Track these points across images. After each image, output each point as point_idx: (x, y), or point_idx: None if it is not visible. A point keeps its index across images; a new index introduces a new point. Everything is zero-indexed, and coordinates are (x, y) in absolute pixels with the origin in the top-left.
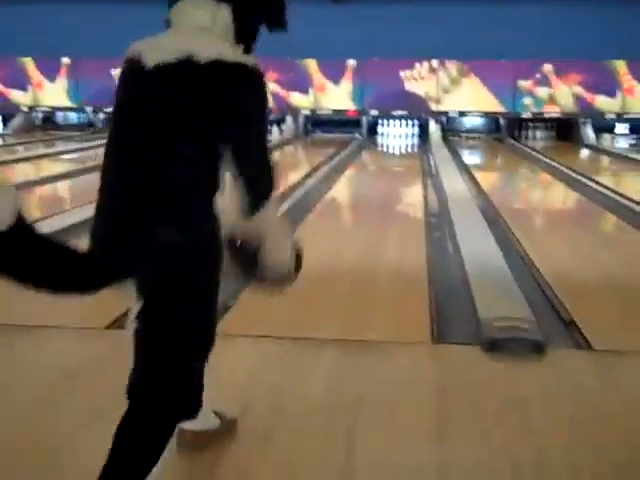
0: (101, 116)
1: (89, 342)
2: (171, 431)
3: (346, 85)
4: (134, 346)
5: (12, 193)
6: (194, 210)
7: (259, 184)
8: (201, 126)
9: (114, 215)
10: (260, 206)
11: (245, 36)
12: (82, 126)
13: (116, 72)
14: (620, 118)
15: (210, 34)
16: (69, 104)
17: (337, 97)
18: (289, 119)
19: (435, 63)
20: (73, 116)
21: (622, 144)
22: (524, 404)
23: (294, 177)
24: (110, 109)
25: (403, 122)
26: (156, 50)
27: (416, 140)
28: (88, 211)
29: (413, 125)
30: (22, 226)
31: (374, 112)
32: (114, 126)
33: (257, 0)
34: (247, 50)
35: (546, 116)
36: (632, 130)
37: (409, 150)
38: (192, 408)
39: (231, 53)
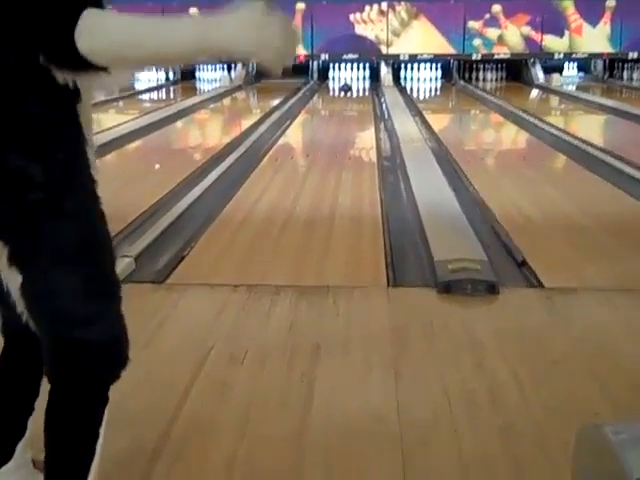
0: None
1: None
2: (107, 396)
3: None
4: (25, 302)
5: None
6: (45, 133)
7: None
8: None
9: None
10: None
11: None
12: None
13: None
14: (568, 58)
15: None
16: None
17: None
18: (239, 65)
19: (385, 6)
20: None
21: (570, 84)
22: (478, 343)
23: (246, 124)
24: None
25: (354, 66)
26: None
27: (367, 84)
28: None
29: (364, 69)
30: None
31: (324, 57)
32: None
33: None
34: None
35: (496, 57)
36: (579, 69)
37: (361, 94)
38: (124, 360)
39: None
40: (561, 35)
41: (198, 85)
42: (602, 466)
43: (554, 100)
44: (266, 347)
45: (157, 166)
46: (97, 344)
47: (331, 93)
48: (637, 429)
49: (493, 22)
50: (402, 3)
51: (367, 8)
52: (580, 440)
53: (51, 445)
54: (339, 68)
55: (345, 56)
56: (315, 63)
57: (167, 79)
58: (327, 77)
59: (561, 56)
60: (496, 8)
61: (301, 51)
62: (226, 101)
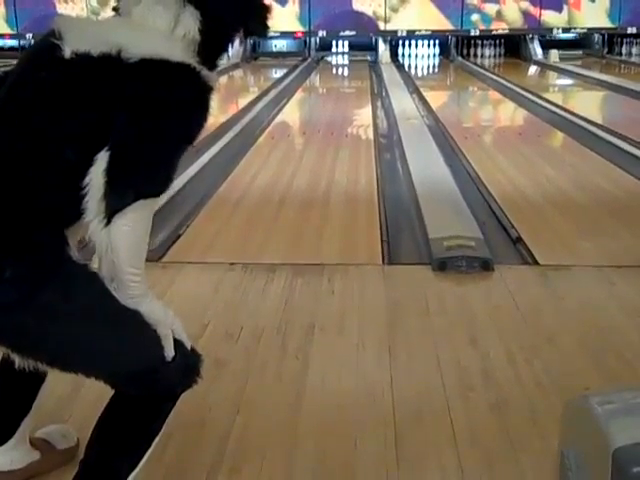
0: None
1: None
2: (174, 404)
3: (293, 6)
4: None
5: None
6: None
7: (132, 174)
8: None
9: None
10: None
11: (212, 52)
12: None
13: None
14: (567, 33)
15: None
16: (8, 31)
17: (284, 19)
18: (236, 42)
19: None
20: (13, 43)
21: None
22: (472, 319)
23: (243, 101)
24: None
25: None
26: (81, 37)
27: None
28: None
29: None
30: None
31: (322, 33)
32: None
33: (236, 6)
34: (211, 66)
35: (494, 33)
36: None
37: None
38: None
39: (166, 49)
40: (560, 10)
41: None
42: (586, 436)
43: (552, 76)
44: (261, 324)
45: None
46: (143, 375)
47: (329, 70)
48: (623, 398)
49: None
50: None
51: None
52: (567, 411)
53: (101, 446)
54: (337, 45)
55: (342, 33)
56: (313, 40)
57: None
58: (325, 54)
59: (560, 31)
60: None
61: (299, 27)
62: (223, 79)
